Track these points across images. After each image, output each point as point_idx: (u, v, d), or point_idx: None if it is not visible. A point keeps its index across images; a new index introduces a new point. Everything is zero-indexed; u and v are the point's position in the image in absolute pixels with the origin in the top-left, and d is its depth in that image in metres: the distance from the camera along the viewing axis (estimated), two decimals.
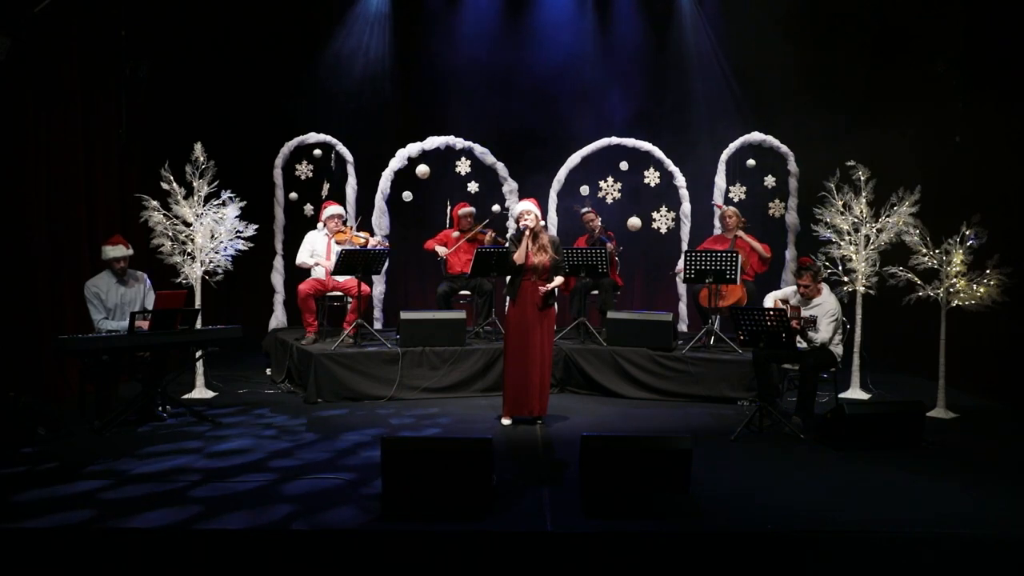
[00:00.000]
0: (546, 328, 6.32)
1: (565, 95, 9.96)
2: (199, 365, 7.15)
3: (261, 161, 8.90)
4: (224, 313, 8.70)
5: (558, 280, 6.35)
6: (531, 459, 5.50)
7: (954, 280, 6.69)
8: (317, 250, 7.95)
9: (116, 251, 6.50)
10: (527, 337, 6.24)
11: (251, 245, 7.43)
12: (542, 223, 6.36)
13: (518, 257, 6.21)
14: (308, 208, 8.89)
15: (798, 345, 6.22)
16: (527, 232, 6.22)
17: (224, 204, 7.20)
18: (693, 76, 9.85)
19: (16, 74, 6.66)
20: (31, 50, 6.77)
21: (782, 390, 6.81)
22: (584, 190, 9.32)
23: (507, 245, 6.68)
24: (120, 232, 6.86)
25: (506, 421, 6.38)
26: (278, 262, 8.80)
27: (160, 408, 6.50)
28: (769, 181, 9.12)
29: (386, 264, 8.07)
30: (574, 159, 9.19)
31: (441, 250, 8.14)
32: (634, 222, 9.11)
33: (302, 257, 7.94)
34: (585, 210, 8.53)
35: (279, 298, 8.80)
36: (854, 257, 7.33)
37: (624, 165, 9.24)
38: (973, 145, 7.84)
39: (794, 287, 6.61)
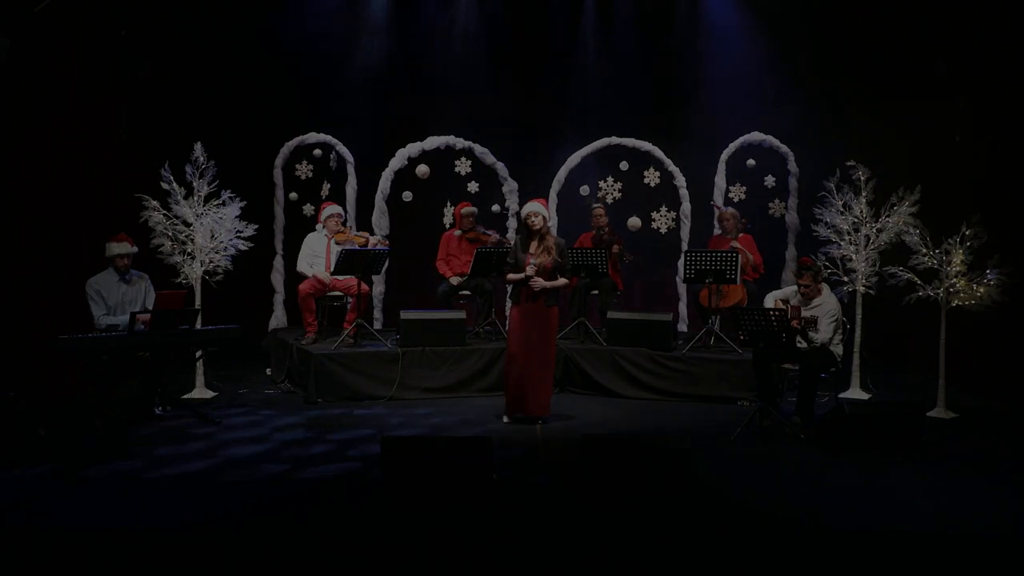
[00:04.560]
0: (547, 328, 6.33)
1: (565, 95, 9.94)
2: (199, 365, 7.15)
3: (261, 161, 8.88)
4: (224, 313, 8.67)
5: (560, 280, 6.35)
6: (531, 459, 5.50)
7: (954, 280, 6.68)
8: (316, 251, 7.94)
9: (120, 248, 6.52)
10: (528, 337, 6.24)
11: (251, 245, 7.42)
12: (548, 224, 6.38)
13: (512, 278, 6.25)
14: (308, 208, 8.89)
15: (798, 345, 6.22)
16: (533, 233, 6.23)
17: (224, 204, 7.19)
18: (693, 76, 9.82)
19: (16, 74, 6.66)
20: (31, 50, 6.77)
21: (782, 390, 6.81)
22: (584, 190, 9.32)
23: (508, 245, 6.70)
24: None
25: (506, 420, 6.38)
26: (278, 262, 8.79)
27: (160, 408, 6.50)
28: (769, 181, 9.12)
29: (386, 264, 8.06)
30: (574, 159, 9.18)
31: (455, 280, 8.01)
32: (634, 222, 9.11)
33: (301, 265, 7.93)
34: (595, 205, 8.52)
35: (279, 298, 8.80)
36: (854, 257, 7.33)
37: (624, 165, 9.24)
38: (973, 145, 7.83)
39: (794, 287, 6.60)
